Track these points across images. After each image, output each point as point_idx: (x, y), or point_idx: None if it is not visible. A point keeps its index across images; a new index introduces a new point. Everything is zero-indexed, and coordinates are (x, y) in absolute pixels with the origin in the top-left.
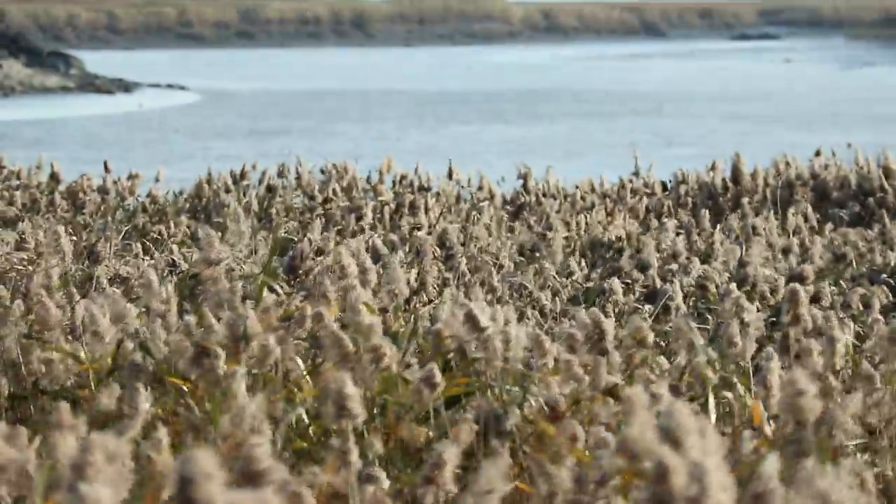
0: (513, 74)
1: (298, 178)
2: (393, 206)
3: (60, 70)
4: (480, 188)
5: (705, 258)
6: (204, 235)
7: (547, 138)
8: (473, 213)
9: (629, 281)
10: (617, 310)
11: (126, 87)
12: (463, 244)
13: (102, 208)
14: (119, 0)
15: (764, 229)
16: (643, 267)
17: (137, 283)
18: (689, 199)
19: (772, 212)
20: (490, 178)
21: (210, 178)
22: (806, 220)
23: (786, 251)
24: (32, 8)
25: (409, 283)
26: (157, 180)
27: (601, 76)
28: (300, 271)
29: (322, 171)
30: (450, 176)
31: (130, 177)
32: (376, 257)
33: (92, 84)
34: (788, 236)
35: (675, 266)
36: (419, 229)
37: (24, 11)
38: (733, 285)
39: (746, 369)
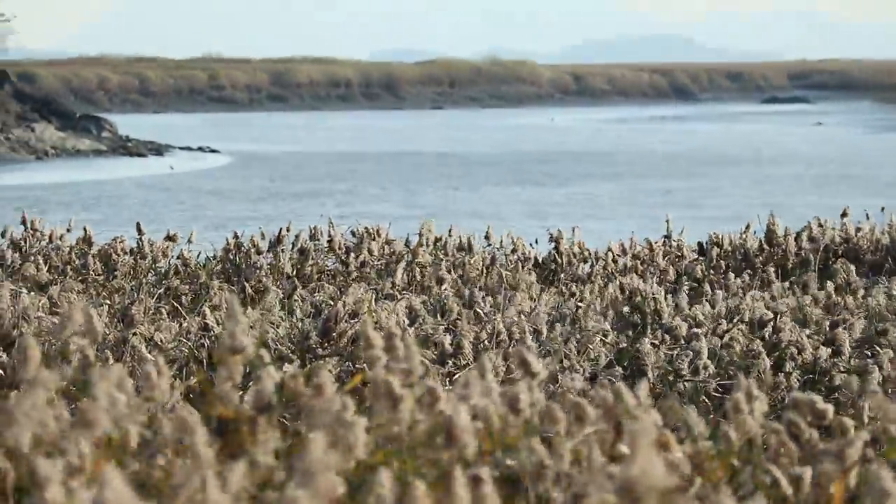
0: (542, 136)
1: (330, 240)
2: (429, 268)
3: (92, 133)
4: (514, 250)
5: (731, 318)
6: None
7: (577, 200)
8: (508, 274)
9: (659, 342)
10: (652, 375)
11: (158, 149)
12: (498, 306)
13: (135, 271)
14: (150, 63)
15: (801, 292)
16: (670, 330)
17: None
18: (723, 262)
19: (809, 274)
20: (523, 239)
21: (239, 241)
22: (848, 283)
23: (827, 313)
24: (64, 71)
25: (444, 345)
26: (189, 241)
27: (631, 138)
28: (334, 334)
29: (353, 234)
30: (487, 238)
31: (167, 238)
32: (413, 319)
33: (124, 147)
34: (828, 298)
35: (703, 329)
36: (456, 291)
37: (56, 75)
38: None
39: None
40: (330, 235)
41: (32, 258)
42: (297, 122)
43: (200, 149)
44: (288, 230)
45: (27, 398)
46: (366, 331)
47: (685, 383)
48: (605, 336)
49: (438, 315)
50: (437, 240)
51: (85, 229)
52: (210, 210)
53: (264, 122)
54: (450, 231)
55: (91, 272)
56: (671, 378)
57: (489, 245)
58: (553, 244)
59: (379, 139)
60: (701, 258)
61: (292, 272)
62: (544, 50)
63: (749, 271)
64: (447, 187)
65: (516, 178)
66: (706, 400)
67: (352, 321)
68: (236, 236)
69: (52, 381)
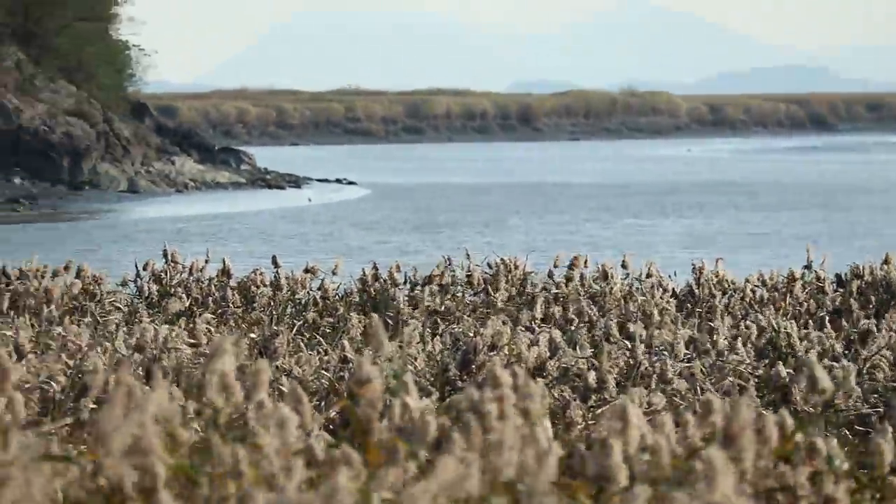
0: (679, 167)
1: (469, 273)
2: (569, 300)
3: (232, 166)
4: (649, 276)
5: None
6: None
7: (717, 231)
8: (647, 306)
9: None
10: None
11: (296, 181)
12: (636, 338)
13: (273, 303)
14: (288, 96)
15: None
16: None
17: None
18: (864, 294)
19: None
20: (661, 270)
21: (377, 273)
22: None
23: None
24: (203, 105)
25: (588, 379)
26: (334, 273)
27: (769, 169)
28: (473, 367)
29: (489, 266)
30: (623, 267)
31: (307, 270)
32: (554, 351)
33: (262, 179)
34: None
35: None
36: (594, 323)
37: (196, 108)
38: None
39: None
40: (469, 268)
41: (173, 290)
42: (434, 154)
43: (338, 180)
44: (439, 266)
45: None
46: (493, 370)
47: (827, 412)
48: (741, 366)
49: (578, 348)
50: (570, 266)
51: (224, 261)
52: (348, 241)
53: (401, 153)
54: (584, 261)
55: (230, 305)
56: (813, 407)
57: (627, 276)
58: (695, 275)
59: (516, 170)
60: (840, 290)
61: (431, 304)
62: (680, 82)
63: (894, 303)
64: (585, 218)
65: (654, 208)
66: (846, 431)
67: (491, 353)
68: (375, 268)
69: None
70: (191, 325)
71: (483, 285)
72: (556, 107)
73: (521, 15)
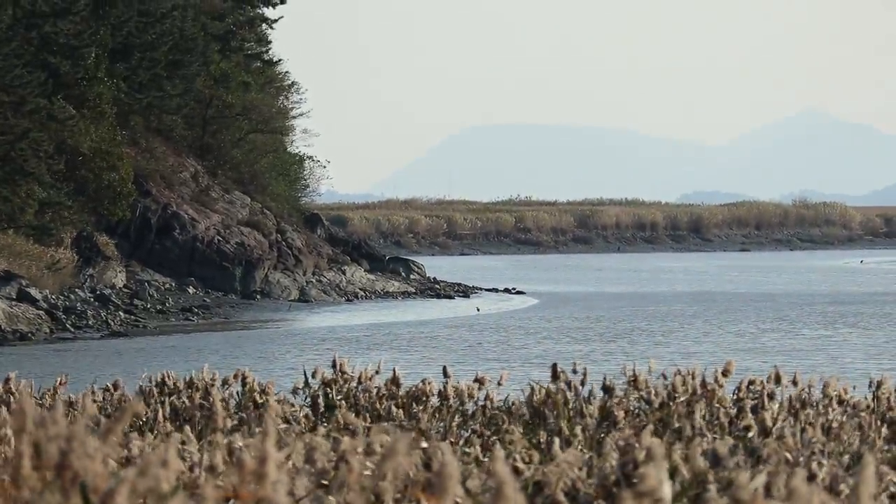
0: (855, 278)
1: (635, 379)
2: (734, 410)
3: (401, 275)
4: (825, 394)
5: None
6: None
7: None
8: (818, 418)
9: None
10: None
11: (464, 291)
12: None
13: (440, 413)
14: (458, 206)
15: None
16: None
17: None
18: None
19: None
20: (844, 383)
21: (541, 388)
22: None
23: None
24: (374, 215)
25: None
26: (499, 384)
27: None
28: (632, 479)
29: (664, 376)
30: (794, 384)
31: (476, 380)
32: (716, 462)
33: (431, 289)
34: None
35: None
36: (764, 434)
37: (367, 218)
38: None
39: None
40: (634, 374)
41: (342, 400)
42: (602, 264)
43: (506, 290)
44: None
45: None
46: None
47: None
48: None
49: (743, 459)
50: (749, 382)
51: (393, 371)
52: (516, 350)
53: (569, 262)
54: (748, 382)
55: (397, 416)
56: None
57: (797, 388)
58: (873, 389)
59: (686, 280)
60: None
61: (597, 413)
62: (853, 194)
63: None
64: (755, 329)
65: (827, 318)
66: None
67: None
68: (541, 387)
69: None
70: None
71: (650, 393)
72: (728, 217)
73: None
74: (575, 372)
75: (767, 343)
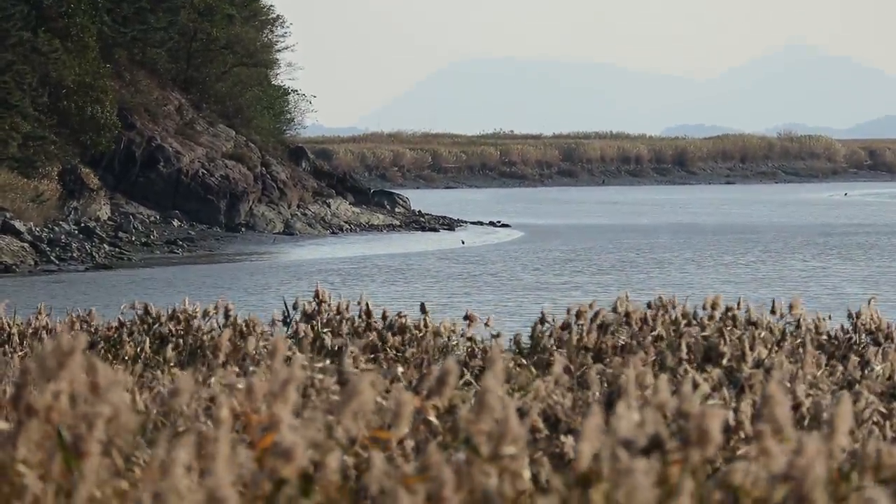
0: (842, 211)
1: (628, 313)
2: (717, 340)
3: (386, 208)
4: (798, 325)
5: None
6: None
7: (880, 274)
8: (798, 349)
9: None
10: None
11: (449, 224)
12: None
13: (422, 347)
14: (443, 139)
15: None
16: None
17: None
18: None
19: None
20: (817, 313)
21: (538, 322)
22: None
23: None
24: (359, 148)
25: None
26: (486, 325)
27: None
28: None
29: (649, 305)
30: (772, 311)
31: (466, 317)
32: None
33: (416, 222)
34: None
35: None
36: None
37: (352, 152)
38: None
39: None
40: (627, 308)
41: (323, 329)
42: (587, 197)
43: (491, 223)
44: (591, 306)
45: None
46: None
47: None
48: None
49: (726, 389)
50: (727, 310)
51: (367, 304)
52: (500, 284)
53: (554, 196)
54: (738, 303)
55: (384, 345)
56: None
57: (780, 319)
58: (851, 319)
59: (673, 213)
60: None
61: (587, 345)
62: (837, 127)
63: None
64: (740, 260)
65: (812, 249)
66: None
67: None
68: (543, 319)
69: None
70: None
71: (640, 325)
72: (712, 151)
73: (680, 60)
74: (568, 312)
75: (751, 274)
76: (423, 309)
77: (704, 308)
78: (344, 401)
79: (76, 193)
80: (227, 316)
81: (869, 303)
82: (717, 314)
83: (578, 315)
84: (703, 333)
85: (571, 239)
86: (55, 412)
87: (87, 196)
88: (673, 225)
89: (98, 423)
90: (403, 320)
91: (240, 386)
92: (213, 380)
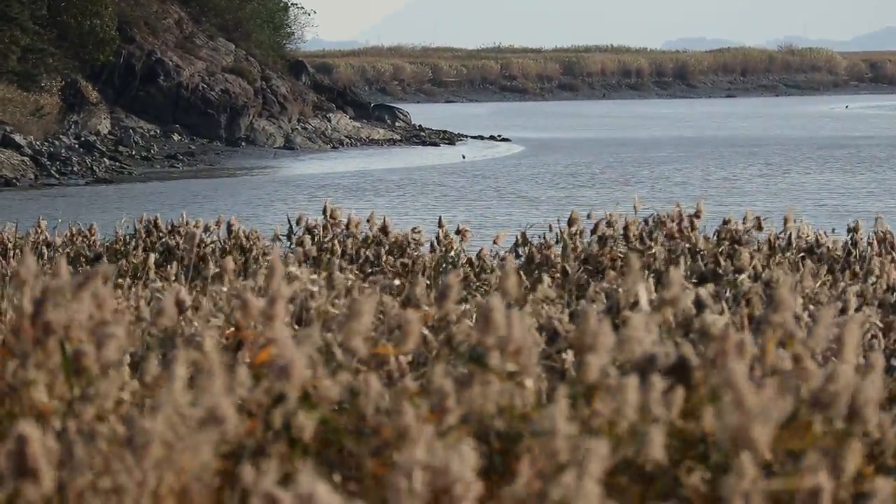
0: (838, 124)
1: (626, 227)
2: (713, 253)
3: (386, 123)
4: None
5: None
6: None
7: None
8: (798, 261)
9: None
10: None
11: (450, 138)
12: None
13: (427, 261)
14: (444, 53)
15: None
16: None
17: None
18: None
19: None
20: (818, 226)
21: (528, 237)
22: None
23: None
24: (359, 62)
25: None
26: (494, 243)
27: None
28: (616, 321)
29: (645, 221)
30: (785, 224)
31: (457, 232)
32: (700, 307)
33: (417, 136)
34: None
35: None
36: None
37: (351, 66)
38: None
39: None
40: (625, 222)
41: (328, 245)
42: (588, 111)
43: (492, 137)
44: (588, 216)
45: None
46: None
47: None
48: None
49: (724, 304)
50: (725, 222)
51: (383, 219)
52: (504, 198)
53: (555, 110)
54: (726, 221)
55: (386, 265)
56: None
57: (777, 233)
58: (850, 234)
59: (674, 127)
60: None
61: (584, 259)
62: (839, 39)
63: None
64: (742, 174)
65: (814, 162)
66: None
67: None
68: (524, 237)
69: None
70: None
71: (639, 240)
72: (713, 64)
73: None
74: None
75: (756, 187)
76: (440, 223)
77: (697, 216)
78: (347, 319)
79: (76, 107)
80: (230, 231)
81: (876, 221)
82: (717, 228)
83: (570, 223)
84: (699, 247)
85: (573, 153)
86: (73, 330)
87: (87, 110)
88: (674, 139)
89: (110, 342)
90: (418, 236)
91: (236, 299)
92: (207, 295)
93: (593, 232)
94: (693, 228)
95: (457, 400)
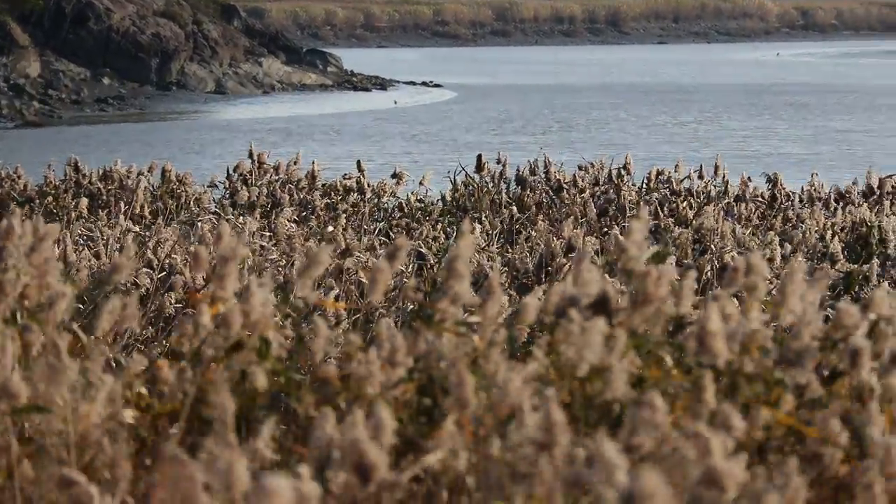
0: (774, 71)
1: (547, 172)
2: (654, 202)
3: (318, 68)
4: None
5: None
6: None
7: (815, 136)
8: (726, 210)
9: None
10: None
11: (382, 84)
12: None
13: (357, 207)
14: None
15: None
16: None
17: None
18: None
19: None
20: (748, 172)
21: (455, 181)
22: None
23: None
24: (291, 7)
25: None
26: (421, 184)
27: (860, 73)
28: (551, 269)
29: (580, 167)
30: (716, 171)
31: (394, 176)
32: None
33: (349, 81)
34: None
35: None
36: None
37: (284, 10)
38: None
39: None
40: (547, 167)
41: (258, 190)
42: (521, 57)
43: (424, 83)
44: (502, 163)
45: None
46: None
47: None
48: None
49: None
50: (657, 173)
51: (313, 163)
52: (440, 144)
53: (488, 56)
54: (657, 171)
55: (317, 209)
56: None
57: (709, 180)
58: (770, 183)
59: (607, 73)
60: None
61: (510, 204)
62: None
63: None
64: (675, 121)
65: (746, 111)
66: None
67: (568, 256)
68: (455, 183)
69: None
70: (273, 223)
71: (560, 186)
72: (645, 11)
73: None
74: (499, 162)
75: (690, 134)
76: (359, 167)
77: (625, 168)
78: (303, 268)
79: (5, 50)
80: (163, 176)
81: (812, 176)
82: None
83: (500, 162)
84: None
85: (506, 99)
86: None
87: (16, 53)
88: (607, 85)
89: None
90: (347, 182)
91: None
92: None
93: (517, 180)
94: (622, 177)
95: (406, 352)
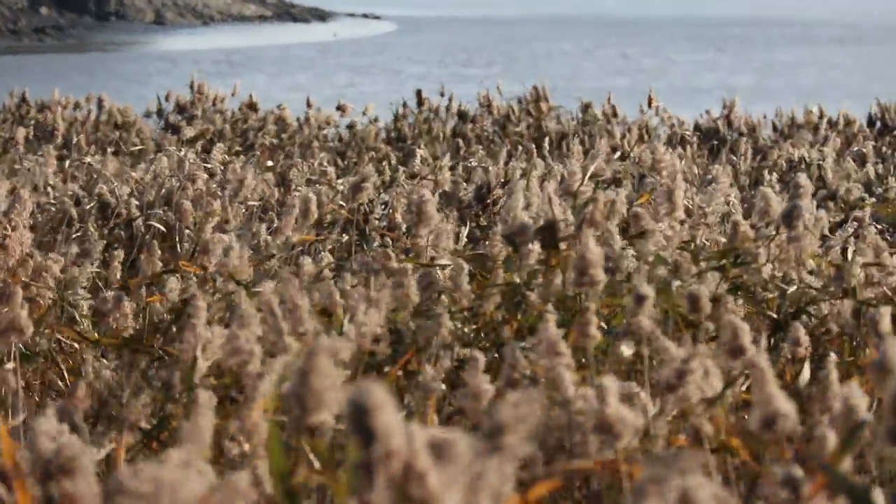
0: (718, 3)
1: (489, 105)
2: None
3: None
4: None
5: None
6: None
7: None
8: (668, 142)
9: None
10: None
11: (321, 15)
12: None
13: (298, 137)
14: None
15: None
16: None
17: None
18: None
19: None
20: (701, 108)
21: (398, 111)
22: None
23: None
24: None
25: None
26: (364, 114)
27: (798, 5)
28: (488, 201)
29: (519, 101)
30: (649, 104)
31: (338, 108)
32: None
33: (288, 13)
34: None
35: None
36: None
37: None
38: None
39: None
40: (489, 99)
41: (197, 121)
42: None
43: (364, 15)
44: (444, 96)
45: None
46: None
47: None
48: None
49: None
50: (587, 105)
51: (250, 96)
52: (384, 75)
53: None
54: (608, 100)
55: (263, 137)
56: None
57: (652, 114)
58: (725, 111)
59: (542, 3)
60: (871, 128)
61: (452, 135)
62: None
63: None
64: (620, 53)
65: (690, 43)
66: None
67: (505, 188)
68: (403, 108)
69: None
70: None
71: (504, 118)
72: None
73: None
74: (442, 95)
75: (634, 66)
76: (308, 103)
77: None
78: (288, 211)
79: None
80: (100, 106)
81: (734, 100)
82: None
83: (445, 94)
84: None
85: (445, 31)
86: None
87: None
88: (546, 16)
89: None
90: (282, 112)
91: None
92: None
93: (459, 114)
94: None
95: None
